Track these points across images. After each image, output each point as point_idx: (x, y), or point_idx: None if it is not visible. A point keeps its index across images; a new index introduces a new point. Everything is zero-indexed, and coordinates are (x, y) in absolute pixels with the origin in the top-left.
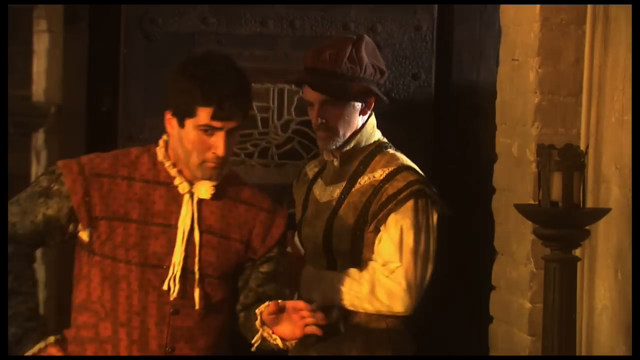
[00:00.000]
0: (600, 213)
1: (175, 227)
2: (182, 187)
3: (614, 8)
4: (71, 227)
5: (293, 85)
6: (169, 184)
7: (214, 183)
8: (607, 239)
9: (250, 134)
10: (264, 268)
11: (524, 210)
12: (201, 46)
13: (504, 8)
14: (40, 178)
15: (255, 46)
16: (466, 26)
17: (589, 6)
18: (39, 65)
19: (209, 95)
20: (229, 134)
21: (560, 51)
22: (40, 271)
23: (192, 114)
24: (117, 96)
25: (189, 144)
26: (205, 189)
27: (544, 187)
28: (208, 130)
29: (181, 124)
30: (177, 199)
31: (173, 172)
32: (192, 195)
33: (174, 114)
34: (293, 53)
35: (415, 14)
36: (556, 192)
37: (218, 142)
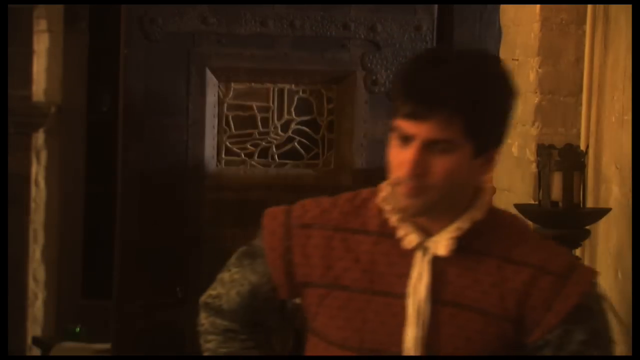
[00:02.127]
0: (600, 213)
1: (404, 297)
2: (409, 239)
3: (614, 8)
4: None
5: (293, 85)
6: (394, 235)
7: (455, 233)
8: (607, 239)
9: (250, 133)
10: (542, 352)
11: (524, 210)
12: (201, 46)
13: (504, 8)
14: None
15: (255, 46)
16: (466, 26)
17: (589, 6)
18: (39, 65)
19: (407, 84)
20: (430, 147)
21: (560, 51)
22: (40, 271)
23: (395, 114)
24: (117, 96)
25: (389, 162)
26: (443, 241)
27: (544, 187)
28: (402, 137)
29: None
30: (407, 258)
31: (394, 218)
32: (426, 251)
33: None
34: (293, 53)
35: (415, 14)
36: (556, 192)
37: (408, 155)
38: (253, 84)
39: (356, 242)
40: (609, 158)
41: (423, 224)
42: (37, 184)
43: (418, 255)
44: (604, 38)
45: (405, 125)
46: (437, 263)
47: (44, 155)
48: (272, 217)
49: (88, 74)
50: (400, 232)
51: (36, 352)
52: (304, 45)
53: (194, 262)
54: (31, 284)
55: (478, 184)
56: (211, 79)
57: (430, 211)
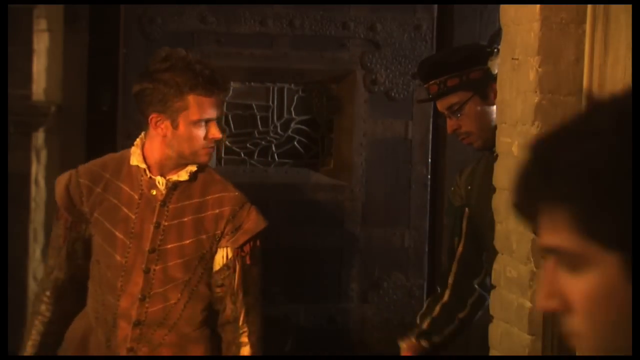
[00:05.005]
0: None
1: None
2: None
3: (614, 8)
4: None
5: (293, 84)
6: None
7: None
8: None
9: (250, 133)
10: None
11: None
12: (200, 45)
13: (504, 7)
14: None
15: (255, 45)
16: (466, 26)
17: (589, 5)
18: (39, 65)
19: None
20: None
21: (560, 50)
22: (40, 271)
23: None
24: (117, 96)
25: None
26: None
27: None
28: None
29: None
30: None
31: None
32: None
33: None
34: (292, 52)
35: (415, 13)
36: None
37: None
38: (252, 83)
39: None
40: None
41: None
42: (37, 184)
43: None
44: (604, 38)
45: None
46: None
47: (43, 155)
48: None
49: (88, 74)
50: None
51: None
52: (304, 44)
53: None
54: (31, 284)
55: None
56: None
57: None
